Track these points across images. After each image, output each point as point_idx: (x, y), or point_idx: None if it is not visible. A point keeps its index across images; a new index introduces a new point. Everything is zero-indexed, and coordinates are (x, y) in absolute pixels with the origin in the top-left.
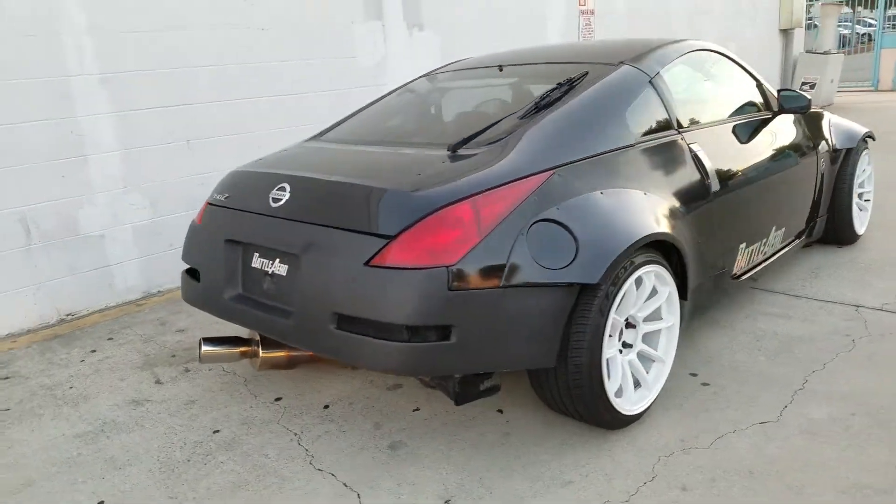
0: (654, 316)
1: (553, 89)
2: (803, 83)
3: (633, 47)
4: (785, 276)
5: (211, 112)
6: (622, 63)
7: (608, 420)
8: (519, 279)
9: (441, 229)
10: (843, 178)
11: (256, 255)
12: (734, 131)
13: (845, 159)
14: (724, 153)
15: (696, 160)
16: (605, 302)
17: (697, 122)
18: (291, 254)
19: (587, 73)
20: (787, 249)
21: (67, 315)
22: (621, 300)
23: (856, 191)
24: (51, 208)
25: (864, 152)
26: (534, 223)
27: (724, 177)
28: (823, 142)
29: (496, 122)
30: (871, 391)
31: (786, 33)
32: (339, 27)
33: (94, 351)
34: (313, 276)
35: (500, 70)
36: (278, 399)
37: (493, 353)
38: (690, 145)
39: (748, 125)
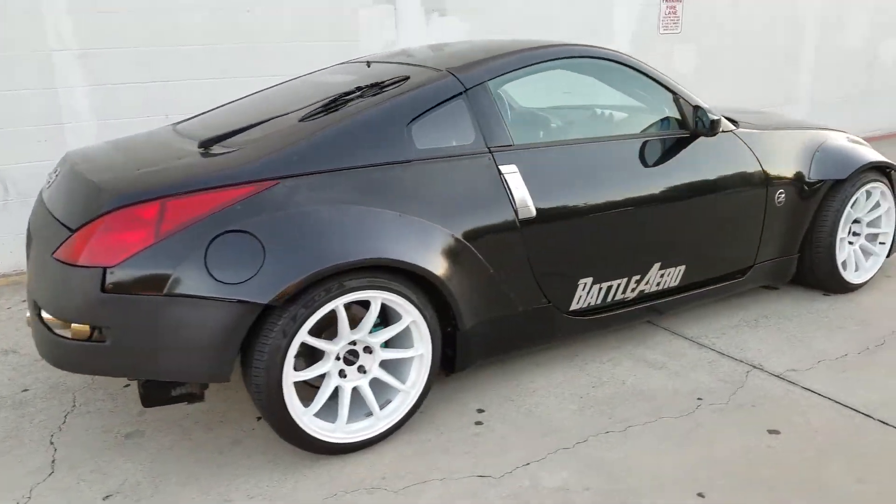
0: (405, 343)
1: (349, 93)
2: None
3: (476, 52)
4: (716, 319)
5: (194, 89)
6: (447, 70)
7: (301, 444)
8: (185, 289)
9: (115, 228)
10: (826, 214)
11: None
12: (603, 153)
13: (831, 193)
14: (566, 177)
15: (504, 184)
16: (290, 324)
17: (529, 142)
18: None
19: (407, 78)
20: (706, 290)
21: None
22: (328, 323)
23: (843, 230)
24: (29, 170)
25: (871, 186)
26: (225, 233)
27: (554, 204)
28: (790, 171)
29: (263, 122)
30: (640, 467)
31: None
32: (344, 11)
33: (24, 300)
34: (32, 262)
35: (369, 66)
36: None
37: (154, 361)
38: (500, 167)
39: (630, 146)
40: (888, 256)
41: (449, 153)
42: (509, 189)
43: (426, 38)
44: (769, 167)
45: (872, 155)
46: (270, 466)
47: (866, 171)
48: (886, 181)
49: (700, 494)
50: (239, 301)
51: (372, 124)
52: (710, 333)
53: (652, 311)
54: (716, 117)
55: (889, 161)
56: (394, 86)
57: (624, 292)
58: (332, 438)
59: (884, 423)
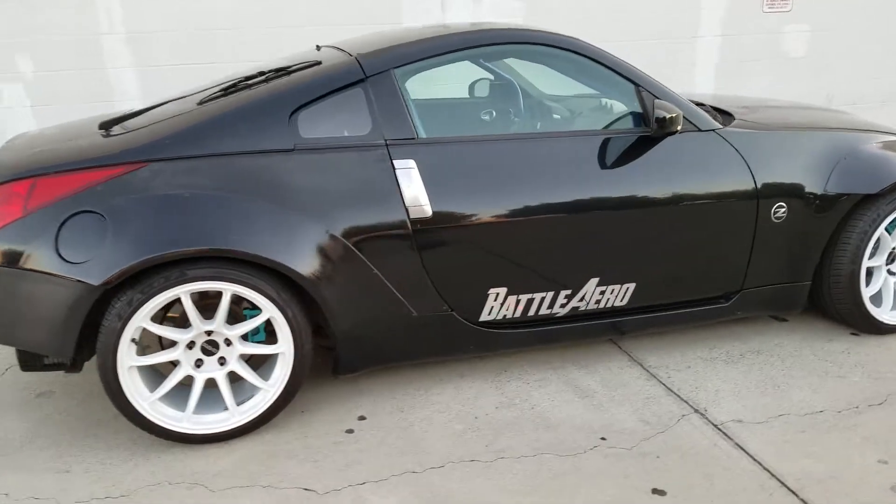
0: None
1: (252, 77)
2: None
3: (398, 37)
4: (695, 348)
5: (230, 71)
6: (356, 56)
7: (146, 428)
8: (35, 265)
9: None
10: (849, 236)
11: None
12: (526, 152)
13: (858, 210)
14: (476, 177)
15: (395, 179)
16: (125, 308)
17: (438, 136)
18: None
19: (318, 63)
20: (677, 314)
21: None
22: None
23: (874, 257)
24: None
25: None
26: (79, 213)
27: (457, 206)
28: (796, 180)
29: (165, 104)
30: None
31: None
32: None
33: None
34: None
35: (318, 49)
36: None
37: (12, 330)
38: (394, 161)
39: (564, 145)
40: None
41: (338, 144)
42: (400, 186)
43: (477, 19)
44: (764, 175)
45: None
46: (127, 445)
47: None
48: None
49: None
50: (77, 281)
51: (250, 111)
52: (674, 364)
53: (613, 329)
54: (667, 114)
55: None
56: (296, 71)
57: (551, 307)
58: (177, 427)
59: (805, 503)
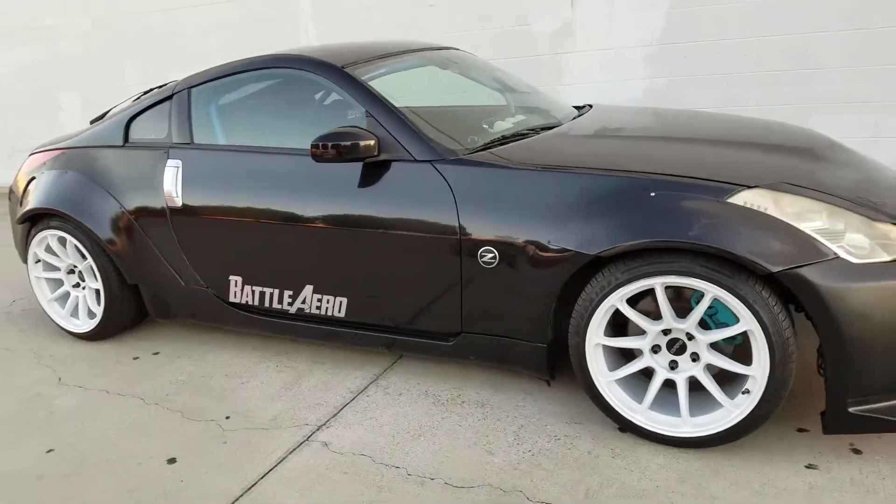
0: None
1: (151, 89)
2: None
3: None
4: (443, 380)
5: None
6: (184, 78)
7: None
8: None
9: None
10: (580, 302)
11: None
12: (258, 163)
13: (595, 273)
14: (218, 180)
15: (161, 173)
16: (33, 235)
17: (204, 143)
18: None
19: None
20: (409, 341)
21: None
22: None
23: (596, 333)
24: None
25: (675, 280)
26: (33, 178)
27: (199, 201)
28: (508, 227)
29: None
30: (90, 435)
31: None
32: None
33: None
34: None
35: None
36: None
37: None
38: (169, 160)
39: (291, 162)
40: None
41: (146, 143)
42: (164, 180)
43: (608, 16)
44: (471, 214)
45: (668, 228)
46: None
47: (667, 253)
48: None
49: None
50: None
51: (115, 117)
52: (403, 387)
53: (335, 337)
54: (351, 142)
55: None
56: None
57: (280, 303)
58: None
59: None
